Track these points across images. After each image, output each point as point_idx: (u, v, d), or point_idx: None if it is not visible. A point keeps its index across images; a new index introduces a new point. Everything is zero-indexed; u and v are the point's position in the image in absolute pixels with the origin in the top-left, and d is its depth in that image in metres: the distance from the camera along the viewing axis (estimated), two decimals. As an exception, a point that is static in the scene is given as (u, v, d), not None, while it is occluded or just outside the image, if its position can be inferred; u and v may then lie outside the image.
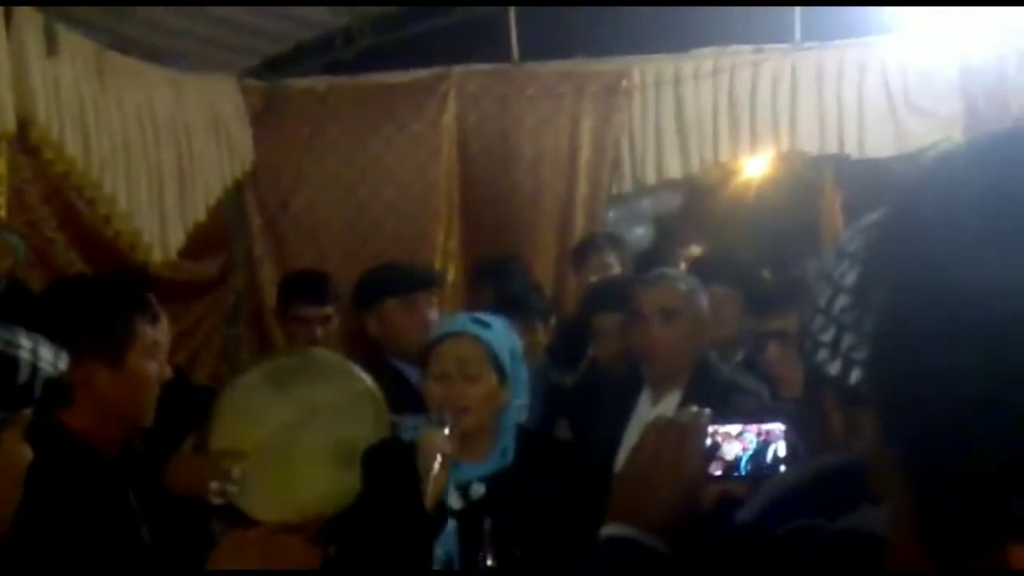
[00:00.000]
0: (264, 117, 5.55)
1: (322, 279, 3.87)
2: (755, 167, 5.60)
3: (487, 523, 2.23)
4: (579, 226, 5.31)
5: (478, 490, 2.30)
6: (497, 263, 4.60)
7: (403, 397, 2.93)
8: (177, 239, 5.01)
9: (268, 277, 5.41)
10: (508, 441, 2.39)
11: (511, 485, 2.32)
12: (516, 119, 5.50)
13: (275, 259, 5.48)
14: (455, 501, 2.29)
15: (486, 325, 2.40)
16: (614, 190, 5.42)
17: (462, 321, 2.45)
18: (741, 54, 5.26)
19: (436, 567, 2.23)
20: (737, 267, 3.65)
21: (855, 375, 1.05)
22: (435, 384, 2.36)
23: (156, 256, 4.74)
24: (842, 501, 1.04)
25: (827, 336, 1.07)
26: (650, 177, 5.33)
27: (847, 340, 1.05)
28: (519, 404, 2.45)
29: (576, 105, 5.42)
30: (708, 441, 2.26)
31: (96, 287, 2.23)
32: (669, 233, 5.55)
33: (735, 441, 2.16)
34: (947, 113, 5.06)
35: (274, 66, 5.55)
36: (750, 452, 2.14)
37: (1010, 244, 0.43)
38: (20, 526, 1.48)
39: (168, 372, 2.12)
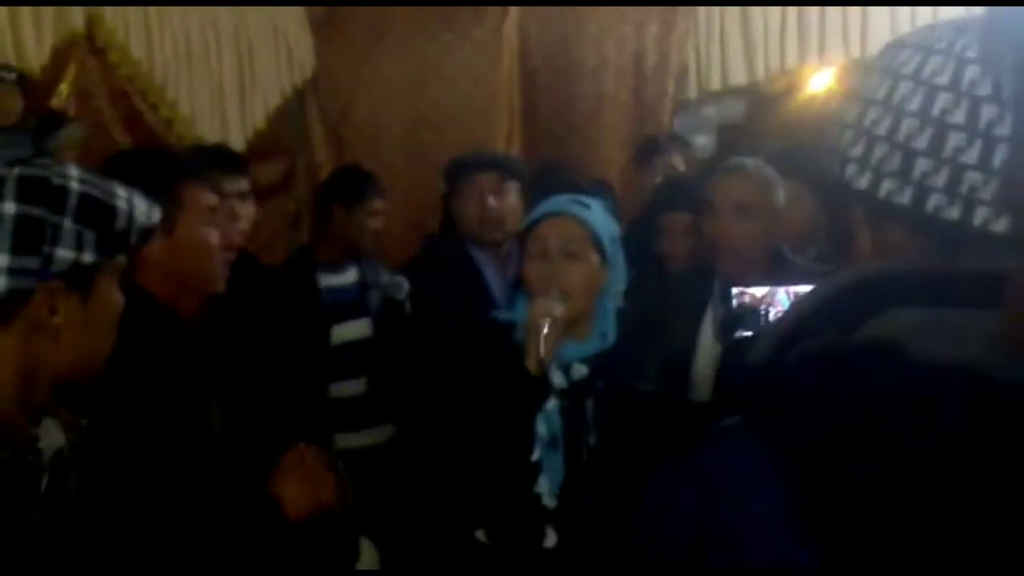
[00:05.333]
0: (324, 25, 5.51)
1: (365, 174, 3.89)
2: (822, 79, 5.46)
3: (589, 404, 2.19)
4: (644, 134, 5.18)
5: (580, 370, 2.23)
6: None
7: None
8: (237, 146, 5.02)
9: (331, 184, 5.40)
10: (608, 324, 2.31)
11: (613, 367, 2.25)
12: (579, 27, 5.40)
13: (337, 166, 5.46)
14: (558, 380, 2.21)
15: (586, 206, 2.31)
16: (679, 96, 5.32)
17: (563, 202, 2.33)
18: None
19: (540, 445, 2.16)
20: (811, 163, 3.56)
21: (885, 187, 1.03)
22: (536, 264, 2.26)
23: (218, 162, 4.77)
24: (861, 311, 0.98)
25: (856, 151, 1.06)
26: (715, 83, 5.23)
27: (877, 152, 1.04)
28: (618, 289, 2.36)
29: (640, 11, 5.30)
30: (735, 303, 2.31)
31: (145, 157, 2.18)
32: (732, 142, 5.45)
33: (762, 301, 2.20)
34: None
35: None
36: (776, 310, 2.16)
37: None
38: (110, 372, 1.48)
39: (236, 237, 2.09)
